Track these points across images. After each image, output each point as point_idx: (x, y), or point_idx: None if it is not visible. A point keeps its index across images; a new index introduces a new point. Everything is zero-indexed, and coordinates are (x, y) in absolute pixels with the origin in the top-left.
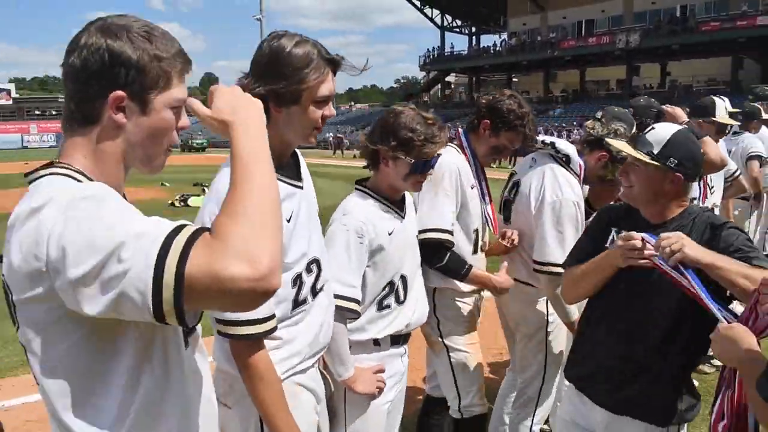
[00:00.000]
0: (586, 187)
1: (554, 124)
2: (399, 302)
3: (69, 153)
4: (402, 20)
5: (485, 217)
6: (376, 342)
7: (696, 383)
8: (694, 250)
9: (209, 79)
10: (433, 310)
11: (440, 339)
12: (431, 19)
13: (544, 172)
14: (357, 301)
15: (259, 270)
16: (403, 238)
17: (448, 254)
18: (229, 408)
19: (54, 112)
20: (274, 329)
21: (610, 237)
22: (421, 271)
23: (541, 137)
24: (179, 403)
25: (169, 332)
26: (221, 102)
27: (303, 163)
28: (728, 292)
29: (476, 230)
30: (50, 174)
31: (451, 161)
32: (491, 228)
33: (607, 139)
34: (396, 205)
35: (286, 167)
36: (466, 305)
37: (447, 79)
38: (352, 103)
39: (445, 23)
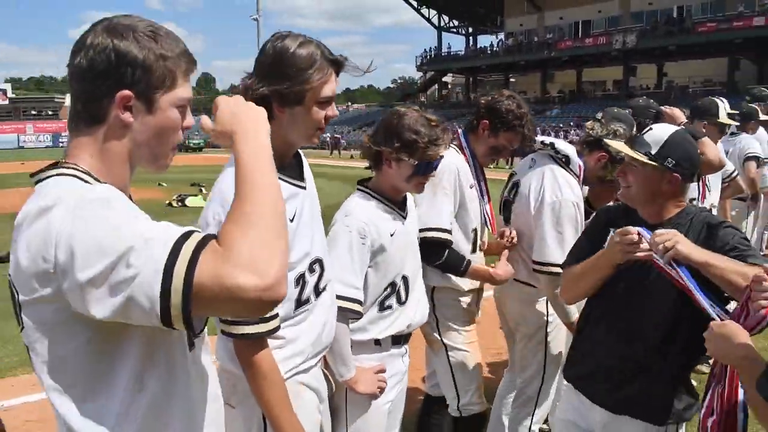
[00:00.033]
0: (586, 188)
1: (551, 124)
2: (400, 303)
3: (75, 153)
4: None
5: (484, 216)
6: (378, 342)
7: (694, 383)
8: (687, 247)
9: (206, 80)
10: (432, 309)
11: (439, 338)
12: (428, 20)
13: (543, 173)
14: (359, 302)
15: (267, 280)
16: (405, 238)
17: (447, 251)
18: (232, 408)
19: (50, 113)
20: (278, 328)
21: (609, 237)
22: (421, 271)
23: (540, 138)
24: (185, 404)
25: (174, 335)
26: (223, 114)
27: (306, 163)
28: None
29: (475, 229)
30: (57, 174)
31: (451, 161)
32: (490, 228)
33: (605, 140)
34: (398, 206)
35: (289, 167)
36: (465, 304)
37: (444, 79)
38: (349, 104)
39: (442, 23)
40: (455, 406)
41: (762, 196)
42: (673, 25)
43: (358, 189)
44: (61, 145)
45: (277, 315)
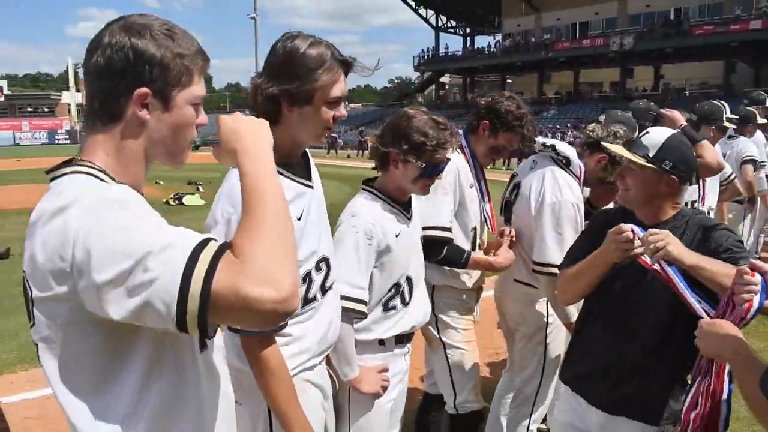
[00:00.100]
0: (587, 189)
1: (548, 125)
2: (404, 303)
3: (91, 151)
4: (397, 20)
5: (484, 216)
6: (382, 342)
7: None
8: (678, 249)
9: (203, 79)
10: (431, 307)
11: (438, 336)
12: (426, 20)
13: (544, 174)
14: (364, 302)
15: (283, 293)
16: (409, 239)
17: (446, 248)
18: (238, 404)
19: (46, 110)
20: (285, 325)
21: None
22: (424, 271)
23: (541, 140)
24: (194, 404)
25: (183, 336)
26: (224, 133)
27: (313, 163)
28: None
29: (474, 228)
30: (72, 172)
31: (451, 161)
32: (490, 227)
33: (603, 144)
34: (403, 207)
35: (297, 167)
36: (464, 303)
37: (441, 79)
38: (346, 103)
39: (440, 24)
40: (452, 403)
41: (759, 199)
42: (670, 28)
43: (364, 189)
44: (57, 142)
45: None
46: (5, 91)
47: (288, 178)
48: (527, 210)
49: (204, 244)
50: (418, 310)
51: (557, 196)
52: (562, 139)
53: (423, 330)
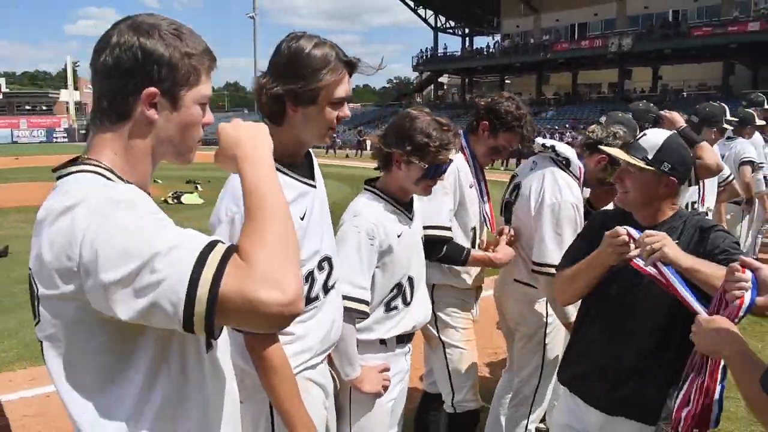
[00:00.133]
0: (587, 190)
1: (546, 126)
2: (406, 304)
3: (98, 150)
4: (396, 21)
5: (483, 216)
6: (383, 342)
7: None
8: (674, 251)
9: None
10: (431, 306)
11: (437, 335)
12: (425, 20)
13: (544, 175)
14: (366, 302)
15: (288, 296)
16: (411, 239)
17: (445, 246)
18: (240, 403)
19: (44, 108)
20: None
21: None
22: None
23: (541, 141)
24: (199, 403)
25: (189, 336)
26: (224, 140)
27: (316, 163)
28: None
29: (474, 228)
30: (79, 171)
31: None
32: (489, 227)
33: (602, 147)
34: (405, 207)
35: (300, 166)
36: (464, 302)
37: (440, 80)
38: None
39: (439, 24)
40: (450, 402)
41: (756, 200)
42: (668, 29)
43: (366, 189)
44: (54, 140)
45: None
46: (3, 88)
47: (291, 177)
48: (527, 210)
49: (212, 246)
50: (419, 310)
51: (557, 197)
52: (561, 139)
53: (422, 329)
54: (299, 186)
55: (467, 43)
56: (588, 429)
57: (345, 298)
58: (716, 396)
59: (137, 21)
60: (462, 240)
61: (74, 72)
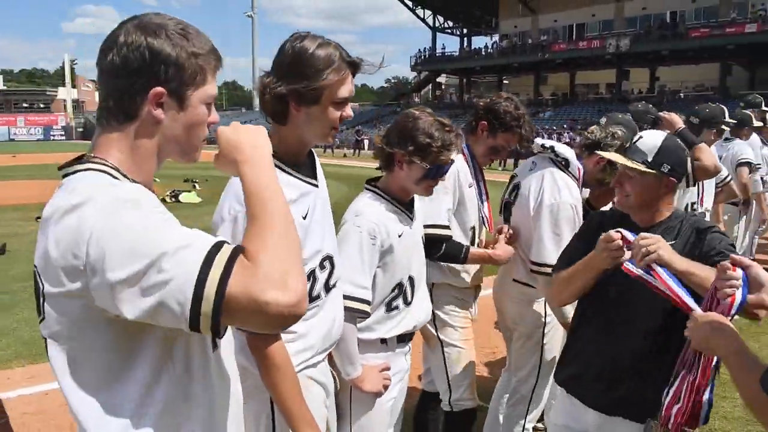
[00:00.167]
0: (586, 190)
1: (544, 126)
2: (407, 303)
3: (104, 149)
4: (394, 21)
5: (482, 215)
6: (384, 341)
7: None
8: (669, 254)
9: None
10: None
11: (435, 333)
12: (423, 20)
13: (543, 176)
14: (367, 302)
15: (293, 297)
16: (412, 239)
17: (444, 245)
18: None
19: (42, 105)
20: None
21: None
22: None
23: (541, 141)
24: (204, 402)
25: (194, 335)
26: (224, 143)
27: (318, 162)
28: None
29: (473, 227)
30: (85, 169)
31: None
32: (487, 227)
33: (599, 152)
34: (406, 207)
35: (303, 166)
36: (462, 301)
37: (438, 79)
38: None
39: (437, 24)
40: (447, 400)
41: (753, 201)
42: (666, 30)
43: (367, 189)
44: (52, 138)
45: None
46: (1, 86)
47: (294, 177)
48: (526, 211)
49: (218, 247)
50: (420, 310)
51: (556, 198)
52: (558, 140)
53: (421, 328)
54: (302, 185)
55: (465, 44)
56: (586, 429)
57: (346, 297)
58: (706, 396)
59: (144, 21)
60: (461, 239)
61: (72, 70)
